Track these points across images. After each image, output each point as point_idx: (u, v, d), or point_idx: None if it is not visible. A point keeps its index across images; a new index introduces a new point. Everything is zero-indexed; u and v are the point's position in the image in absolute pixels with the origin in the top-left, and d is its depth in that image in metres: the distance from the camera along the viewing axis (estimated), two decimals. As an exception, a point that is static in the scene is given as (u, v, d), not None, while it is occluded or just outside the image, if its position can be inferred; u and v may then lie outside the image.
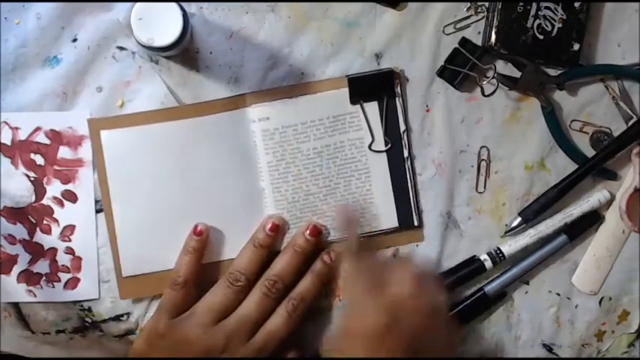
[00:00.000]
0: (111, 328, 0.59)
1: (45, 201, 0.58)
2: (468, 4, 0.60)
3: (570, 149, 0.61)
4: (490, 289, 0.61)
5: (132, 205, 0.58)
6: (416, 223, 0.60)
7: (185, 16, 0.51)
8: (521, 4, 0.59)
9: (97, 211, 0.58)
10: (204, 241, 0.57)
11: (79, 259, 0.58)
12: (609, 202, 0.62)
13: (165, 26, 0.50)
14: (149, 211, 0.58)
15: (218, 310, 0.54)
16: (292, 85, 0.59)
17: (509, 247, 0.61)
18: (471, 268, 0.61)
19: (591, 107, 0.62)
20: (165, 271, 0.58)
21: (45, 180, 0.57)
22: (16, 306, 0.58)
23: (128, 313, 0.59)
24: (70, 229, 0.58)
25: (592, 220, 0.62)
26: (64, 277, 0.58)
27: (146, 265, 0.58)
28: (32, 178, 0.57)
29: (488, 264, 0.61)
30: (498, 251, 0.61)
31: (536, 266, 0.61)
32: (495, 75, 0.60)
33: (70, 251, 0.58)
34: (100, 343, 0.60)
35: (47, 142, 0.57)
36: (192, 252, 0.56)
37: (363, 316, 0.51)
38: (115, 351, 0.60)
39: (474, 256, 0.62)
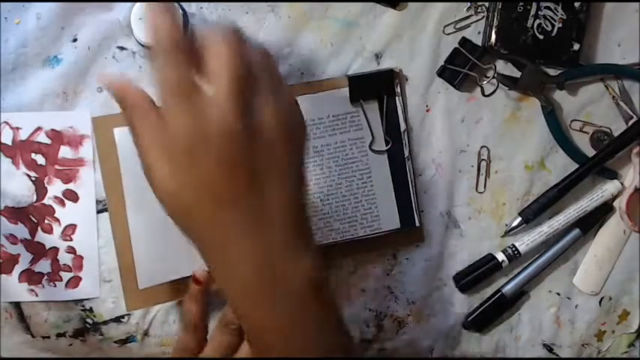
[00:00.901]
0: (111, 330, 0.59)
1: (46, 200, 0.58)
2: (468, 4, 0.60)
3: (570, 149, 0.61)
4: (508, 289, 0.62)
5: (146, 208, 0.56)
6: (417, 224, 0.60)
7: (185, 16, 0.51)
8: (521, 4, 0.59)
9: (99, 212, 0.58)
10: (204, 287, 0.55)
11: (81, 258, 0.58)
12: (620, 193, 0.63)
13: None
14: (164, 216, 0.56)
15: None
16: (292, 85, 0.59)
17: (524, 244, 0.61)
18: (487, 266, 0.61)
19: (591, 107, 0.62)
20: (178, 280, 0.57)
21: (46, 180, 0.58)
22: (17, 307, 0.58)
23: (129, 315, 0.59)
24: (72, 228, 0.58)
25: (603, 211, 0.63)
26: (66, 276, 0.58)
27: (162, 275, 0.56)
28: (33, 178, 0.57)
29: (505, 262, 0.61)
30: (514, 248, 0.61)
31: (551, 262, 0.62)
32: (495, 75, 0.60)
33: (71, 250, 0.58)
34: (100, 350, 0.60)
35: (48, 141, 0.57)
36: (195, 299, 0.55)
37: (170, 126, 0.39)
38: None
39: (489, 254, 0.62)
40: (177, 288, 0.58)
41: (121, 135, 0.56)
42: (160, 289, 0.57)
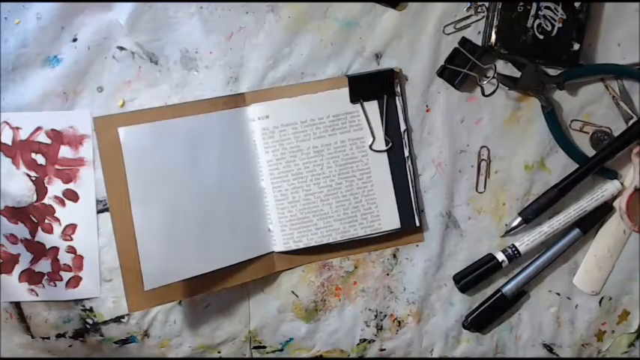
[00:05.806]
0: (111, 330, 0.59)
1: (46, 200, 0.58)
2: (468, 4, 0.60)
3: (570, 149, 0.61)
4: (508, 289, 0.62)
5: (152, 207, 0.56)
6: (417, 224, 0.60)
7: None
8: (521, 4, 0.59)
9: (99, 211, 0.58)
10: None
11: (81, 257, 0.58)
12: (620, 193, 0.62)
13: None
14: (168, 216, 0.56)
15: None
16: (292, 84, 0.59)
17: (524, 244, 0.61)
18: (487, 266, 0.61)
19: (591, 107, 0.62)
20: (183, 280, 0.56)
21: (46, 179, 0.58)
22: (17, 307, 0.58)
23: (129, 314, 0.59)
24: (72, 228, 0.58)
25: (603, 211, 0.62)
26: (66, 275, 0.58)
27: (168, 276, 0.56)
28: (33, 178, 0.58)
29: (505, 262, 0.61)
30: (514, 248, 0.61)
31: (551, 262, 0.62)
32: (495, 75, 0.60)
33: (71, 250, 0.58)
34: (100, 351, 0.60)
35: (48, 141, 0.57)
36: None
37: None
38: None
39: (489, 254, 0.62)
40: (180, 288, 0.58)
41: (127, 134, 0.56)
42: (163, 289, 0.56)
